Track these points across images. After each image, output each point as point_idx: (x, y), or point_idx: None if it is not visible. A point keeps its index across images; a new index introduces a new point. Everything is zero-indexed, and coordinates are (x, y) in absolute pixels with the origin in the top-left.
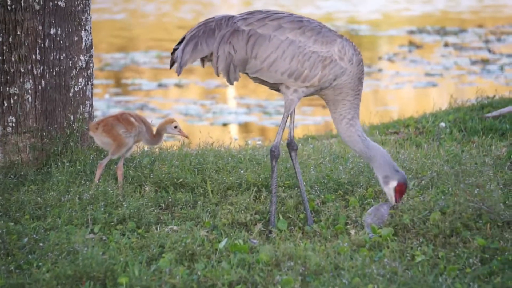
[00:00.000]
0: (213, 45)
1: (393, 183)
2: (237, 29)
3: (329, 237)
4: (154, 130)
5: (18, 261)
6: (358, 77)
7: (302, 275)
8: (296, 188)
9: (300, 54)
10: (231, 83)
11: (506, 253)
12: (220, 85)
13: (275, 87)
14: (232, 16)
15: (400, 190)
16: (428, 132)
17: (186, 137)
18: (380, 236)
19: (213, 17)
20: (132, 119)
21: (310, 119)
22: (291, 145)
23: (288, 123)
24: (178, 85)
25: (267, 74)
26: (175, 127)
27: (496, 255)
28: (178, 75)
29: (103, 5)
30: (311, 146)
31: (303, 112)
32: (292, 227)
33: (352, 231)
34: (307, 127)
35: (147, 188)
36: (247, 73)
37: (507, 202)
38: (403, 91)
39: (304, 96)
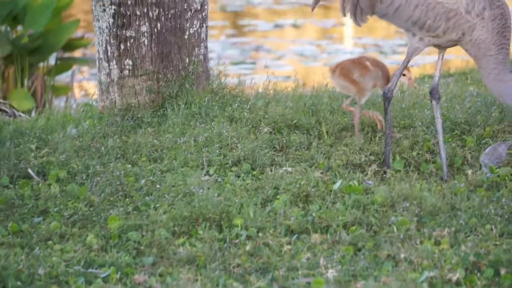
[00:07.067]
0: None
1: None
2: None
3: (446, 177)
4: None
5: (136, 202)
6: (497, 31)
7: (417, 216)
8: (411, 128)
9: (425, 3)
10: (359, 25)
11: None
12: (337, 24)
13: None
14: None
15: None
16: None
17: (414, 87)
18: (498, 176)
19: None
20: (368, 63)
21: (427, 58)
22: (433, 93)
23: (438, 67)
24: (295, 25)
25: (392, 19)
26: (404, 75)
27: None
28: (312, 10)
29: None
30: (427, 85)
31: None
32: (408, 167)
33: (469, 171)
34: (424, 66)
35: (265, 129)
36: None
37: None
38: None
39: (435, 46)
